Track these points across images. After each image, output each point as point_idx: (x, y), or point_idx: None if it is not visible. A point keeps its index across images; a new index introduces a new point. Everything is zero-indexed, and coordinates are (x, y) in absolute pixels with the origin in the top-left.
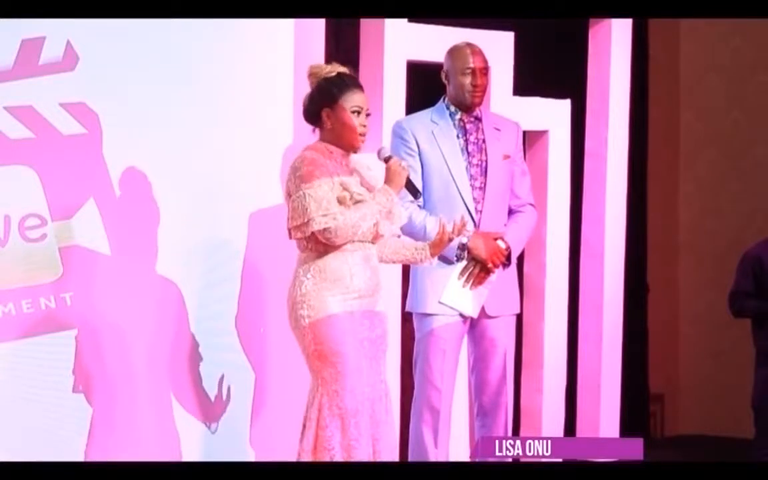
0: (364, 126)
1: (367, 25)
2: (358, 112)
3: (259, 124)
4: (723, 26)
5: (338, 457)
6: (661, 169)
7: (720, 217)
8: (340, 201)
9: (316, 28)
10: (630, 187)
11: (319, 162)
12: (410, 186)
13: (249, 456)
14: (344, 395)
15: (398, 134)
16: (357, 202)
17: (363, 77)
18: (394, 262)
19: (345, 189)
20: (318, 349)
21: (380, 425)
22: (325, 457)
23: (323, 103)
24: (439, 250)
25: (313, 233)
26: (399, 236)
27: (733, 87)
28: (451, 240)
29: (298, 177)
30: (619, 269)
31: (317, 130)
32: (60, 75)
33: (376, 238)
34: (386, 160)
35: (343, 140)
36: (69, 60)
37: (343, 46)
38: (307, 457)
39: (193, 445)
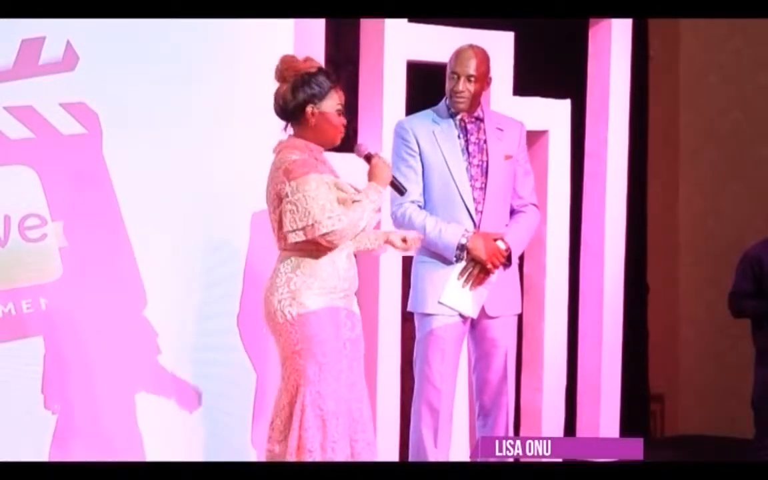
0: (345, 125)
1: (367, 25)
2: (341, 111)
3: (259, 124)
4: (723, 26)
5: (317, 457)
6: (661, 169)
7: (720, 217)
8: (341, 202)
9: (316, 28)
10: (630, 187)
11: (309, 163)
12: (395, 183)
13: (250, 456)
14: (327, 396)
15: (399, 134)
16: (354, 202)
17: (363, 77)
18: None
19: (340, 189)
20: (304, 348)
21: (357, 424)
22: (306, 458)
23: (308, 99)
24: (388, 244)
25: (318, 236)
26: None
27: (733, 87)
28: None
29: (293, 180)
30: (619, 269)
31: (290, 126)
32: (60, 75)
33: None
34: (367, 157)
35: (326, 138)
36: (69, 60)
37: (343, 46)
38: (292, 457)
39: (194, 445)
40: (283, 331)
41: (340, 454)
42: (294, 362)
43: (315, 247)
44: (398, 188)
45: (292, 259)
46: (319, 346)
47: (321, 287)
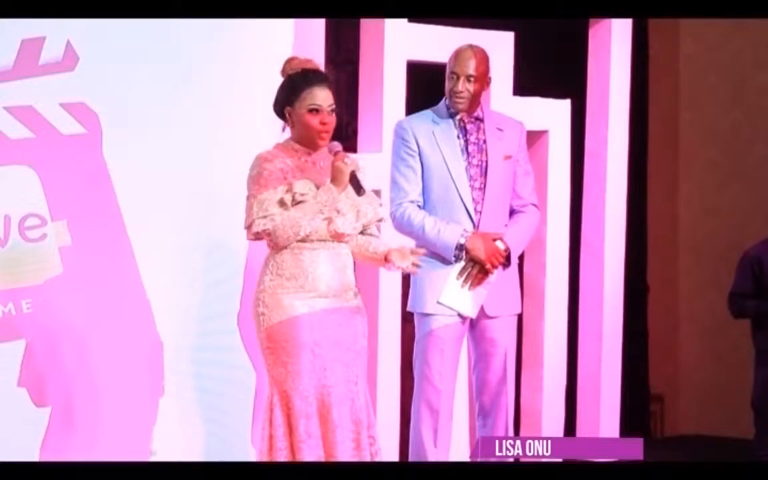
0: (324, 123)
1: (367, 25)
2: (317, 110)
3: (258, 123)
4: (723, 26)
5: (286, 456)
6: (661, 169)
7: (720, 217)
8: (281, 202)
9: (316, 28)
10: (630, 187)
11: (271, 162)
12: (354, 182)
13: (250, 456)
14: (294, 397)
15: (399, 134)
16: (298, 202)
17: (363, 77)
18: (360, 260)
19: (288, 190)
20: (270, 347)
21: (337, 429)
22: (278, 456)
23: (284, 102)
24: (390, 262)
25: (257, 234)
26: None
27: (733, 87)
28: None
29: (249, 178)
30: (619, 269)
31: (288, 128)
32: (60, 75)
33: (339, 236)
34: (334, 156)
35: (305, 139)
36: (69, 60)
37: (343, 46)
38: (264, 457)
39: (194, 445)
40: (255, 329)
41: (308, 453)
42: (265, 360)
43: (281, 247)
44: (356, 187)
45: (268, 257)
46: (285, 349)
47: (287, 288)
